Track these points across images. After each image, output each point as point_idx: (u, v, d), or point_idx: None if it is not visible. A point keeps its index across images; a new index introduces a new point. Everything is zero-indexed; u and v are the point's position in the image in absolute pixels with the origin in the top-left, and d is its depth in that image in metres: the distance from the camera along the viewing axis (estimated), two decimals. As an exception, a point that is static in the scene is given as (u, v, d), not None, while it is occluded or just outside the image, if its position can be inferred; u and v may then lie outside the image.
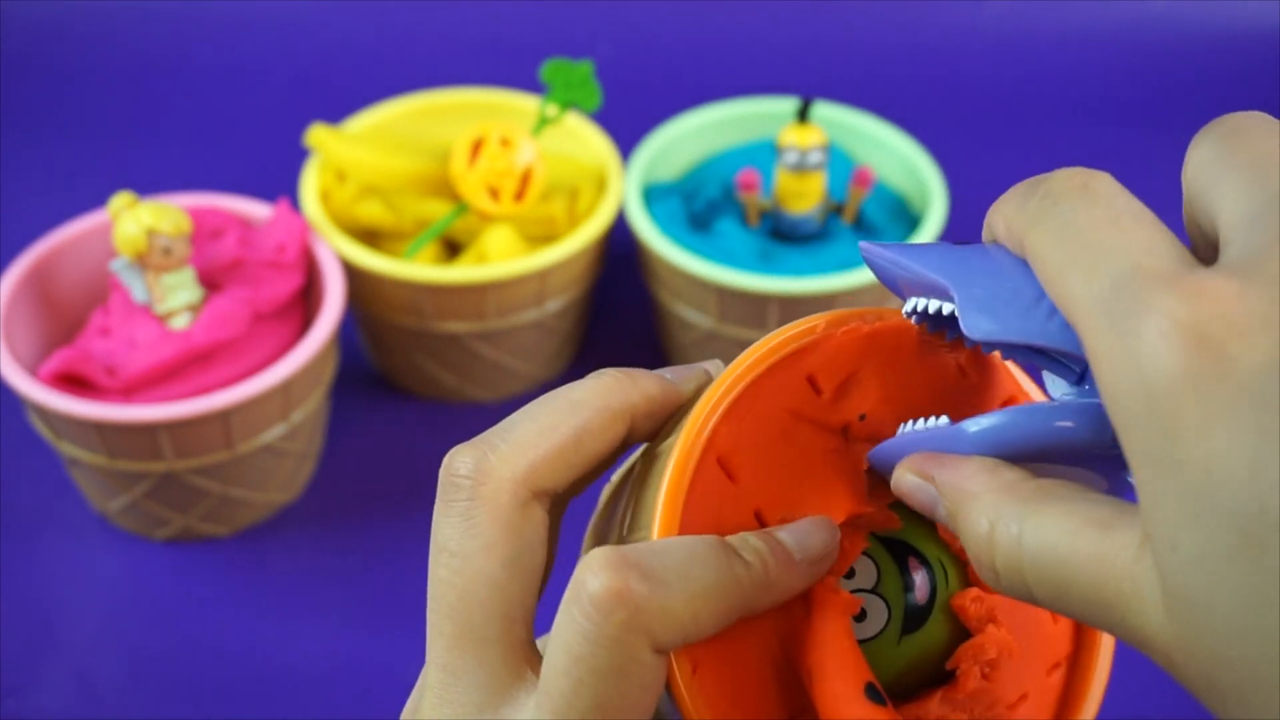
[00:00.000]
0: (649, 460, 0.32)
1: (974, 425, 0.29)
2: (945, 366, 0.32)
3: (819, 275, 0.72)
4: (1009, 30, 1.02)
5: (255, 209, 0.73)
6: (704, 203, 0.78)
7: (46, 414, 0.65)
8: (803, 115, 0.74)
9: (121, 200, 0.65)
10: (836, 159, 0.79)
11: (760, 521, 0.31)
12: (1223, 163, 0.25)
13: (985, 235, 0.30)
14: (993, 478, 0.28)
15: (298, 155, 0.83)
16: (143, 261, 0.65)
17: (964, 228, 0.82)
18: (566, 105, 0.74)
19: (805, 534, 0.30)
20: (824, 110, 0.81)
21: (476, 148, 0.73)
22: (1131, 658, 0.30)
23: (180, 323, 0.67)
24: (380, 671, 0.65)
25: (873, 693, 0.29)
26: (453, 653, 0.31)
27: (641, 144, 0.80)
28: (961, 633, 0.32)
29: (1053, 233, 0.26)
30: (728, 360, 0.32)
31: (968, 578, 0.32)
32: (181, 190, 0.78)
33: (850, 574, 0.32)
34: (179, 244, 0.65)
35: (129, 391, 0.65)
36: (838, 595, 0.30)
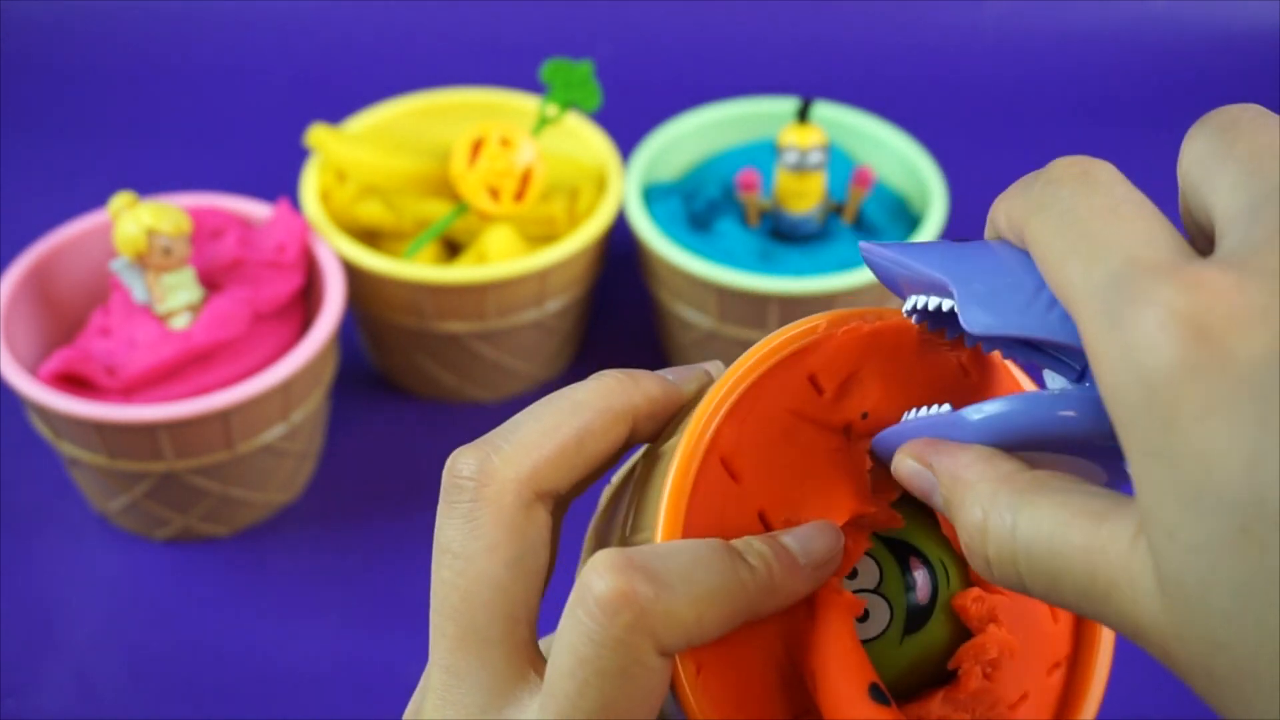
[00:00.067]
0: (651, 461, 0.32)
1: (976, 413, 0.29)
2: (947, 364, 0.32)
3: (819, 275, 0.72)
4: (1009, 30, 1.02)
5: (255, 209, 0.73)
6: (704, 203, 0.78)
7: (46, 414, 0.65)
8: (803, 115, 0.74)
9: (121, 200, 0.65)
10: (836, 159, 0.79)
11: (764, 521, 0.31)
12: (1219, 155, 0.25)
13: (988, 230, 0.30)
14: (989, 467, 0.28)
15: (298, 155, 0.83)
16: (143, 261, 0.65)
17: (964, 228, 0.82)
18: (566, 105, 0.74)
19: (810, 538, 0.30)
20: (824, 110, 0.81)
21: (476, 148, 0.73)
22: (1131, 656, 0.30)
23: (180, 323, 0.67)
24: (380, 671, 0.65)
25: (877, 693, 0.29)
26: (455, 654, 0.31)
27: (641, 144, 0.80)
28: (963, 632, 0.32)
29: (1052, 220, 0.26)
30: (728, 361, 0.32)
31: (969, 577, 0.32)
32: (181, 190, 0.78)
33: (853, 574, 0.32)
34: (179, 244, 0.65)
35: (129, 391, 0.65)
36: (841, 596, 0.30)
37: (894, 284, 0.31)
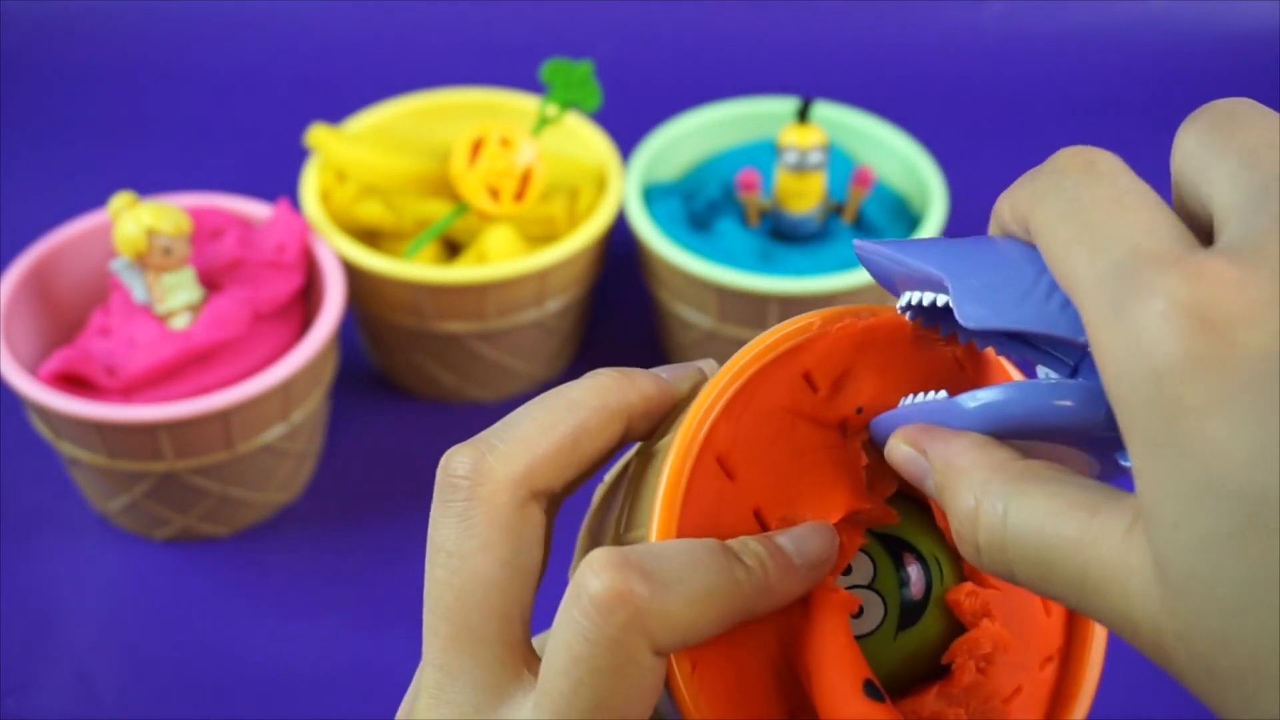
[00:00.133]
0: (645, 459, 0.32)
1: (972, 400, 0.29)
2: (942, 359, 0.32)
3: (819, 275, 0.72)
4: (1009, 30, 1.02)
5: (255, 209, 0.73)
6: (704, 203, 0.78)
7: (46, 414, 0.65)
8: (803, 115, 0.74)
9: (121, 200, 0.65)
10: (836, 159, 0.79)
11: (758, 519, 0.31)
12: (1215, 147, 0.26)
13: (992, 225, 0.30)
14: (982, 454, 0.28)
15: (298, 155, 0.83)
16: (143, 261, 0.66)
17: (964, 227, 0.82)
18: (566, 105, 0.74)
19: (804, 539, 0.30)
20: (824, 110, 0.81)
21: (476, 148, 0.73)
22: (1124, 650, 0.30)
23: (180, 323, 0.67)
24: (380, 671, 0.65)
25: (871, 690, 0.29)
26: (449, 653, 0.31)
27: (641, 144, 0.80)
28: (956, 627, 0.32)
29: (1057, 209, 0.26)
30: (724, 360, 0.32)
31: (962, 572, 0.33)
32: (181, 190, 0.79)
33: (847, 570, 0.32)
34: (179, 244, 0.65)
35: (129, 391, 0.65)
36: (836, 594, 0.30)
37: (888, 281, 0.31)
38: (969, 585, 0.32)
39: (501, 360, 0.76)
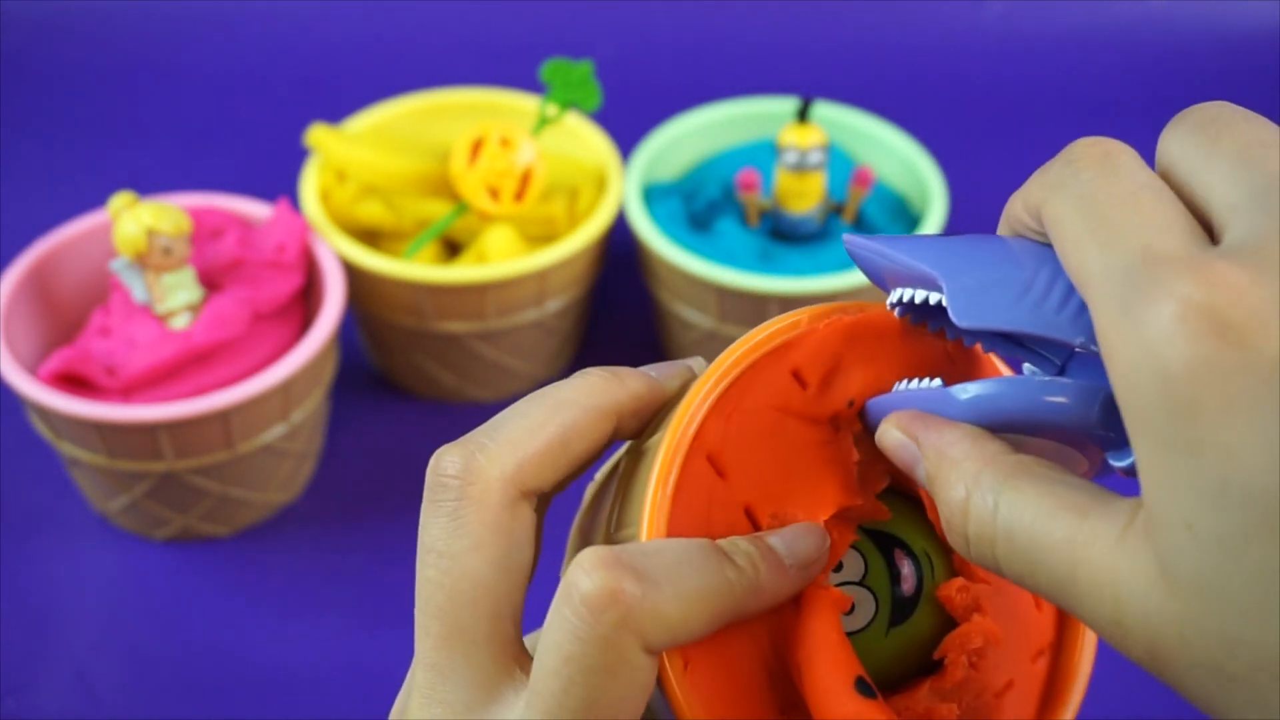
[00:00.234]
0: (635, 457, 0.33)
1: (965, 391, 0.29)
2: (932, 351, 0.32)
3: (819, 275, 0.72)
4: (1009, 30, 1.02)
5: (255, 209, 0.73)
6: (704, 203, 0.78)
7: (46, 414, 0.65)
8: (803, 115, 0.74)
9: (121, 200, 0.66)
10: (836, 159, 0.79)
11: (750, 517, 0.31)
12: (1206, 149, 0.26)
13: (1003, 222, 0.30)
14: (975, 446, 0.28)
15: (298, 155, 0.83)
16: (143, 261, 0.66)
17: (964, 227, 0.82)
18: (566, 105, 0.74)
19: (796, 539, 0.30)
20: (824, 110, 0.81)
21: (476, 148, 0.73)
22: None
23: (180, 323, 0.67)
24: (380, 671, 0.65)
25: (863, 687, 0.29)
26: (440, 652, 0.31)
27: (641, 144, 0.80)
28: (948, 622, 0.32)
29: (1071, 201, 0.26)
30: (714, 359, 0.32)
31: (953, 567, 0.33)
32: (181, 190, 0.79)
33: (838, 567, 0.32)
34: (179, 244, 0.65)
35: (129, 391, 0.65)
36: (827, 592, 0.31)
37: (878, 277, 0.31)
38: (960, 580, 0.32)
39: (501, 360, 0.76)
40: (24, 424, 0.73)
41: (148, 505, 0.68)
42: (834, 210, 0.77)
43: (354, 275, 0.72)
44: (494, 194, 0.73)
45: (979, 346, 0.32)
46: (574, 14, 1.01)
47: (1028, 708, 0.33)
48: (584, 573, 0.28)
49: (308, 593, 0.69)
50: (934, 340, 0.32)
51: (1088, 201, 0.26)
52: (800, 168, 0.74)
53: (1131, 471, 0.28)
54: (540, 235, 0.75)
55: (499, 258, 0.73)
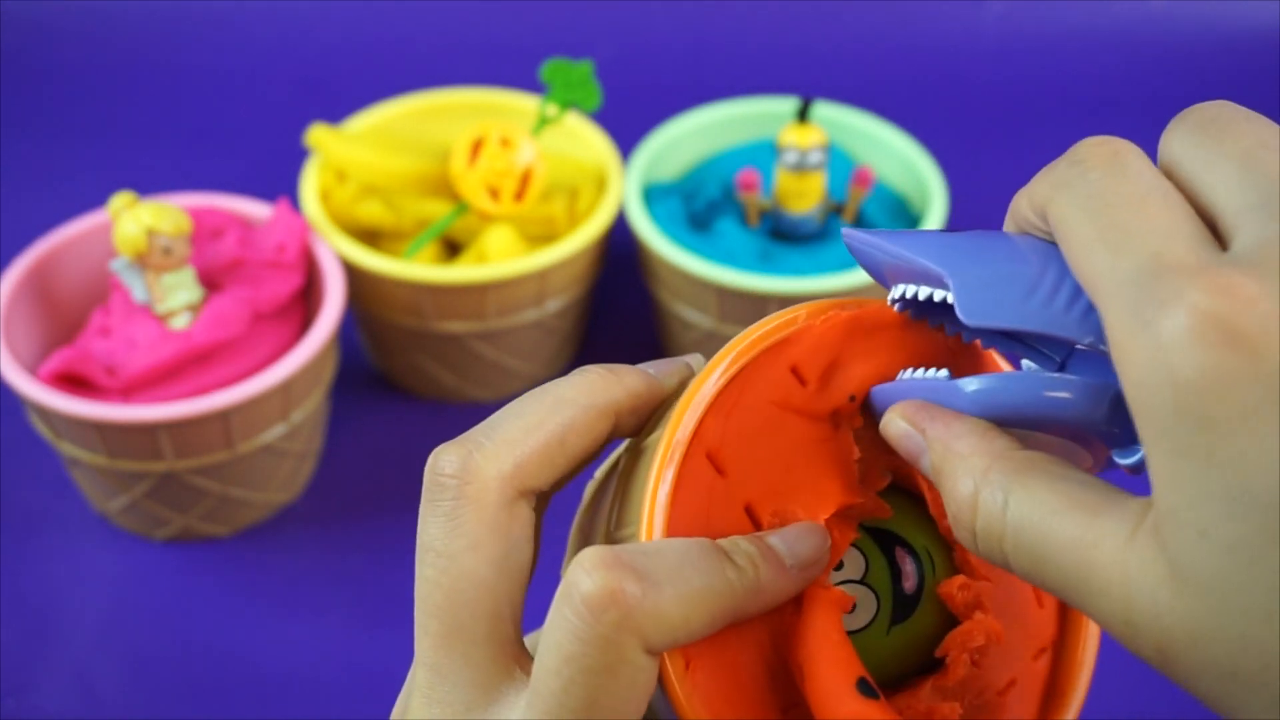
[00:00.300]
0: (635, 455, 0.32)
1: (971, 384, 0.29)
2: (933, 344, 0.32)
3: (819, 275, 0.72)
4: (1009, 30, 1.02)
5: (255, 209, 0.73)
6: (704, 203, 0.78)
7: (46, 414, 0.65)
8: (803, 115, 0.74)
9: (121, 200, 0.65)
10: (836, 159, 0.79)
11: (750, 515, 0.31)
12: (1209, 151, 0.26)
13: (1008, 220, 0.30)
14: (983, 441, 0.28)
15: (298, 155, 0.83)
16: (143, 261, 0.66)
17: (963, 227, 0.82)
18: (566, 105, 0.74)
19: (796, 539, 0.30)
20: (824, 110, 0.81)
21: (476, 148, 0.73)
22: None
23: (180, 323, 0.67)
24: (380, 672, 0.65)
25: (865, 687, 0.29)
26: (440, 652, 0.31)
27: (641, 144, 0.80)
28: (949, 620, 0.32)
29: (1078, 202, 0.26)
30: (711, 356, 0.32)
31: (954, 565, 0.32)
32: (181, 190, 0.78)
33: (839, 565, 0.32)
34: (179, 244, 0.65)
35: (129, 391, 0.65)
36: (828, 591, 0.30)
37: (878, 272, 0.31)
38: (961, 578, 0.32)
39: (501, 360, 0.76)
40: (24, 424, 0.73)
41: (148, 505, 0.68)
42: (834, 210, 0.77)
43: (354, 275, 0.72)
44: (494, 194, 0.73)
45: (979, 343, 0.32)
46: (574, 14, 1.01)
47: (1030, 706, 0.33)
48: (584, 573, 0.28)
49: (308, 593, 0.69)
50: (935, 334, 0.32)
51: (1095, 203, 0.26)
52: (800, 168, 0.74)
53: (1137, 469, 0.28)
54: (540, 235, 0.75)
55: (499, 258, 0.73)
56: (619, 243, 0.80)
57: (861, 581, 0.32)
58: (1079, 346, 0.28)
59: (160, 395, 0.65)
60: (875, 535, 0.32)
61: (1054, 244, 0.28)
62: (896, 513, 0.32)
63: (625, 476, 0.32)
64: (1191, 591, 0.24)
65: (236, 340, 0.67)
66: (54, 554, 0.70)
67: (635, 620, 0.27)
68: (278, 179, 0.85)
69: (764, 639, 0.30)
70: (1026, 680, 0.33)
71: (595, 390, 0.32)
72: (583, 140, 0.80)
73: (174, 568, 0.70)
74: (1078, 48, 1.01)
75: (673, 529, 0.30)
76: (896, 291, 0.31)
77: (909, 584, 0.32)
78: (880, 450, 0.32)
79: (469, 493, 0.31)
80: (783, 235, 0.76)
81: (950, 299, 0.28)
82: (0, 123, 0.95)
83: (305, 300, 0.72)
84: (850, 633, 0.31)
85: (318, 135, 0.76)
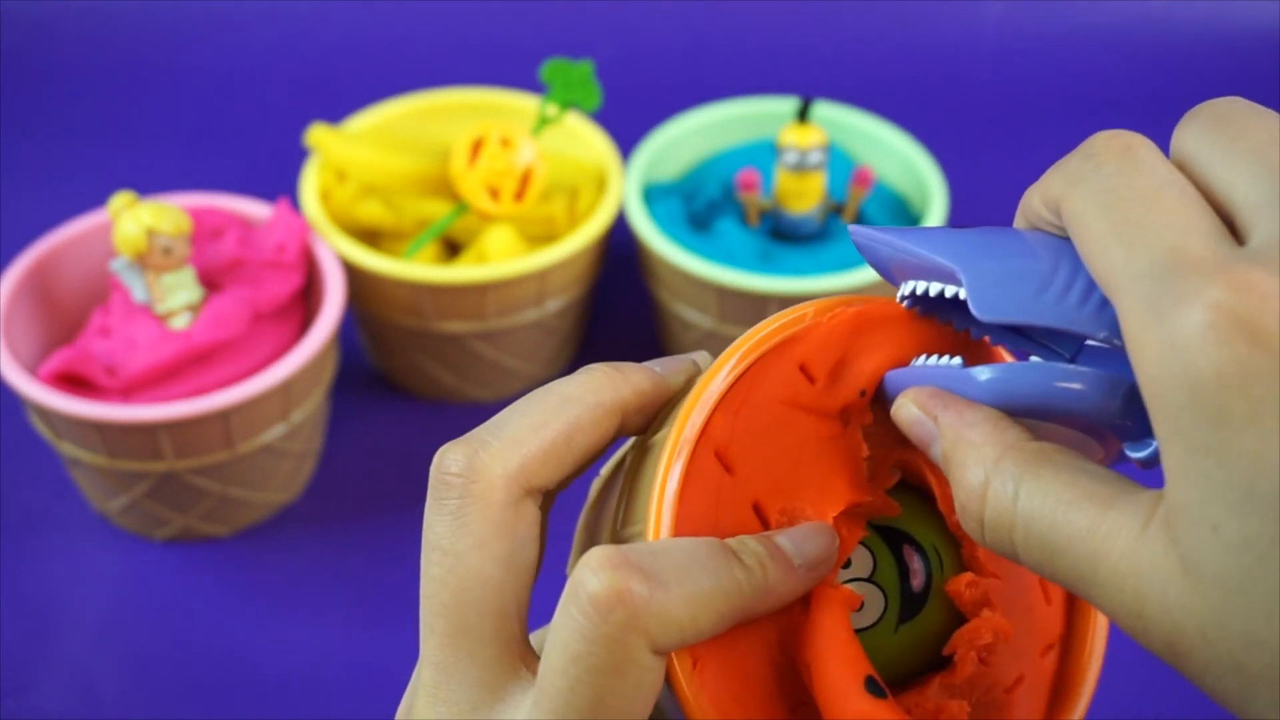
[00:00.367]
0: (641, 453, 0.32)
1: (984, 373, 0.29)
2: (943, 336, 0.32)
3: (819, 275, 0.72)
4: (1009, 30, 1.02)
5: (255, 209, 0.73)
6: (704, 203, 0.78)
7: (46, 414, 0.65)
8: (803, 115, 0.74)
9: (121, 200, 0.65)
10: (836, 159, 0.79)
11: (758, 513, 0.31)
12: (1224, 147, 0.26)
13: (1019, 216, 0.29)
14: (995, 430, 0.28)
15: (298, 155, 0.83)
16: (143, 261, 0.66)
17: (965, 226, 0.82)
18: (566, 105, 0.74)
19: (805, 539, 0.30)
20: (824, 110, 0.81)
21: (476, 148, 0.73)
22: (1125, 637, 0.30)
23: (180, 323, 0.67)
24: (380, 672, 0.65)
25: (873, 686, 0.29)
26: (446, 651, 0.31)
27: (641, 144, 0.80)
28: (957, 618, 0.32)
29: (1092, 197, 0.26)
30: (719, 354, 0.32)
31: (962, 562, 0.32)
32: (181, 190, 0.78)
33: (846, 563, 0.32)
34: (179, 244, 0.65)
35: (129, 391, 0.65)
36: (836, 590, 0.30)
37: (885, 269, 0.31)
38: (969, 575, 0.32)
39: (501, 360, 0.76)
40: (24, 424, 0.73)
41: (148, 505, 0.68)
42: (834, 210, 0.77)
43: (354, 275, 0.72)
44: (494, 194, 0.73)
45: (987, 339, 0.32)
46: (574, 14, 1.01)
47: (1038, 702, 0.33)
48: (591, 572, 0.27)
49: (308, 593, 0.69)
50: (945, 329, 0.32)
51: (1109, 198, 0.26)
52: (800, 168, 0.74)
53: (1148, 463, 0.28)
54: (540, 235, 0.75)
55: (499, 258, 0.73)
56: (619, 243, 0.80)
57: (869, 580, 0.32)
58: (1090, 342, 0.28)
59: (160, 395, 0.65)
60: (883, 533, 0.32)
61: (1065, 239, 0.28)
62: (905, 510, 0.32)
63: (632, 474, 0.32)
64: (1202, 587, 0.24)
65: (236, 340, 0.67)
66: (54, 554, 0.70)
67: (642, 620, 0.27)
68: (278, 179, 0.85)
69: (772, 638, 0.30)
70: (1034, 677, 0.33)
71: (601, 388, 0.32)
72: (583, 140, 0.80)
73: (174, 568, 0.70)
74: (1078, 48, 1.01)
75: (680, 527, 0.30)
76: (906, 288, 0.31)
77: (917, 582, 0.32)
78: (889, 447, 0.32)
79: (475, 491, 0.31)
80: (783, 235, 0.76)
81: (962, 294, 0.28)
82: (0, 123, 0.95)
83: (305, 300, 0.72)
84: (858, 631, 0.31)
85: (318, 135, 0.76)
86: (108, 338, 0.67)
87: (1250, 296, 0.23)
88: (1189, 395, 0.23)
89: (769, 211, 0.76)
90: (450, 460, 0.31)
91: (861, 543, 0.32)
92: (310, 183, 0.75)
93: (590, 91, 0.74)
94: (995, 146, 0.94)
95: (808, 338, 0.31)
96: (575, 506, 0.37)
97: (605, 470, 0.36)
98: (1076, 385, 0.28)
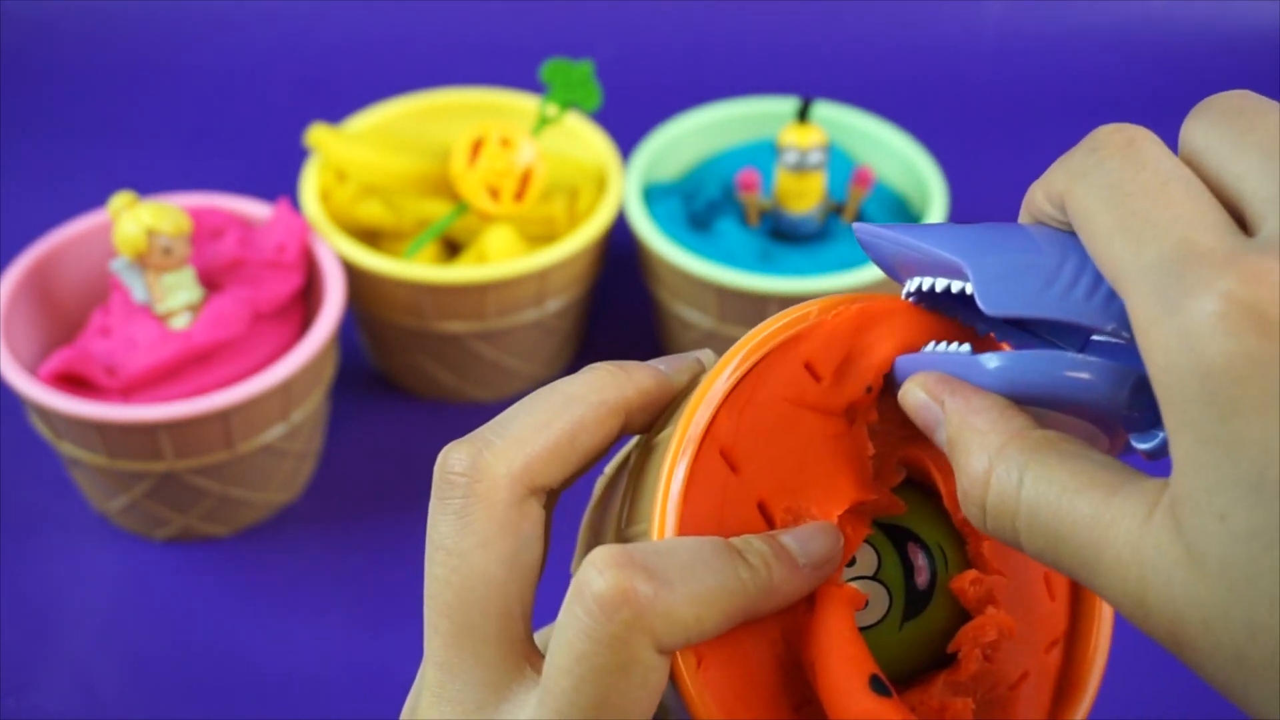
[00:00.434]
0: (646, 452, 0.32)
1: (993, 360, 0.29)
2: (949, 329, 0.32)
3: (819, 275, 0.72)
4: (1009, 30, 1.02)
5: (255, 209, 0.73)
6: (704, 203, 0.78)
7: (46, 414, 0.65)
8: (803, 115, 0.74)
9: (121, 200, 0.65)
10: (836, 159, 0.79)
11: (763, 512, 0.31)
12: (1235, 141, 0.26)
13: (1023, 212, 0.29)
14: (1001, 418, 0.28)
15: (298, 155, 0.83)
16: (143, 261, 0.66)
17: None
18: (566, 105, 0.74)
19: (810, 539, 0.30)
20: (824, 110, 0.81)
21: (476, 148, 0.73)
22: (1129, 633, 0.30)
23: (180, 323, 0.67)
24: (381, 671, 0.65)
25: (877, 685, 0.29)
26: (450, 650, 0.31)
27: (641, 144, 0.80)
28: (961, 615, 0.32)
29: (1097, 192, 0.26)
30: (723, 353, 0.32)
31: (966, 559, 0.32)
32: (181, 190, 0.78)
33: (851, 561, 0.32)
34: (179, 244, 0.65)
35: (129, 391, 0.65)
36: (841, 589, 0.30)
37: (889, 266, 0.31)
38: (973, 573, 0.32)
39: (501, 360, 0.76)
40: (24, 424, 0.73)
41: (148, 505, 0.68)
42: (834, 210, 0.77)
43: (354, 275, 0.72)
44: (494, 194, 0.73)
45: (993, 335, 0.32)
46: (574, 14, 1.01)
47: (1043, 699, 0.33)
48: (596, 571, 0.27)
49: (308, 593, 0.69)
50: (950, 321, 0.32)
51: (1115, 192, 0.26)
52: (800, 168, 0.74)
53: (1155, 454, 0.28)
54: (540, 235, 0.75)
55: (499, 258, 0.73)
56: (619, 243, 0.80)
57: (874, 578, 0.32)
58: (1096, 336, 0.28)
59: (160, 395, 0.65)
60: (888, 531, 0.32)
61: (1069, 234, 0.28)
62: (910, 508, 0.32)
63: (636, 473, 0.32)
64: (1206, 575, 0.24)
65: (236, 340, 0.67)
66: (54, 554, 0.70)
67: (647, 620, 0.27)
68: (278, 179, 0.85)
69: (776, 636, 0.30)
70: (1039, 673, 0.33)
71: (605, 387, 0.32)
72: (583, 140, 0.80)
73: (174, 568, 0.70)
74: (1078, 48, 1.01)
75: (685, 526, 0.30)
76: (911, 284, 0.31)
77: (921, 579, 0.32)
78: (894, 445, 0.32)
79: (479, 491, 0.31)
80: (783, 235, 0.76)
81: (968, 289, 0.28)
82: (0, 123, 0.95)
83: (305, 300, 0.72)
84: (863, 629, 0.31)
85: (318, 135, 0.76)
86: (108, 338, 0.67)
87: (1261, 287, 0.23)
88: (1199, 385, 0.23)
89: (769, 211, 0.76)
90: (454, 459, 0.31)
91: (866, 540, 0.32)
92: (310, 183, 0.75)
93: (590, 91, 0.74)
94: (995, 146, 0.94)
95: (812, 336, 0.31)
96: (579, 505, 0.37)
97: (609, 469, 0.36)
98: (1085, 375, 0.28)
